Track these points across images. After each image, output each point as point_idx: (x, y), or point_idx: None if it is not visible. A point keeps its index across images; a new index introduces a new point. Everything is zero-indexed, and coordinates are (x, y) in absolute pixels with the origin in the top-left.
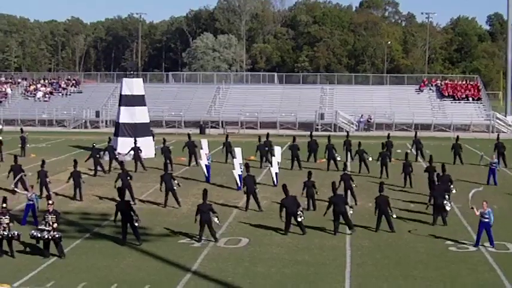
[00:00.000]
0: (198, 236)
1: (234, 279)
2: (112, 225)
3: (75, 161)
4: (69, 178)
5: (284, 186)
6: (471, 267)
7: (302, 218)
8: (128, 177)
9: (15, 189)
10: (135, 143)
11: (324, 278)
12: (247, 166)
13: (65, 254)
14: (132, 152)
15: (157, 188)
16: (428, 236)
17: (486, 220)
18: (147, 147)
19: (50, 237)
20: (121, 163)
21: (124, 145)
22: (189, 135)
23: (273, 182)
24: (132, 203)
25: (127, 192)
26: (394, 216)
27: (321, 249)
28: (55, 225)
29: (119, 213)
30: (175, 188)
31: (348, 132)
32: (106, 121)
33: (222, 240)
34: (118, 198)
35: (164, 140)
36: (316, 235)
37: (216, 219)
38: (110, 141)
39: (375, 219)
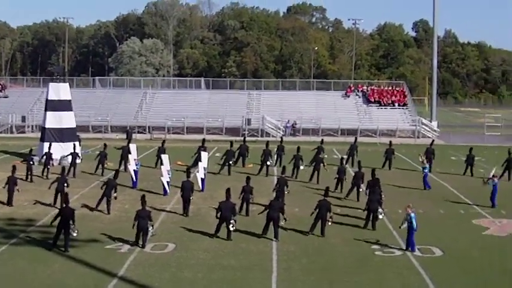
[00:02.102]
0: (136, 242)
1: (160, 284)
2: (39, 231)
3: (14, 167)
4: (6, 183)
5: (227, 190)
6: (397, 271)
7: (233, 227)
8: (65, 183)
9: None
10: (74, 148)
11: (250, 283)
12: (187, 172)
13: None
14: (67, 157)
15: (83, 194)
16: (354, 241)
17: (412, 223)
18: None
19: None
20: (63, 168)
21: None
22: (128, 141)
23: (200, 187)
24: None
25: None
26: (330, 223)
27: (247, 254)
28: None
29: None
30: (112, 197)
31: (281, 137)
32: (32, 126)
33: (148, 245)
34: (48, 203)
35: (105, 145)
36: (243, 240)
37: (150, 228)
38: (50, 148)
39: (302, 224)
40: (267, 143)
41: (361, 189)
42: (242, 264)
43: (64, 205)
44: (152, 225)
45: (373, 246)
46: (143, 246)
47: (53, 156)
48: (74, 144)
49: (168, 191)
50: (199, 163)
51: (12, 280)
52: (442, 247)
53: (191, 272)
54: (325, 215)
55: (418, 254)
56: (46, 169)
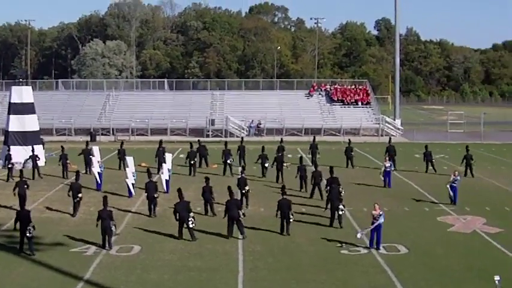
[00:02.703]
0: (105, 244)
1: (126, 287)
2: (3, 235)
3: None
4: None
5: (179, 190)
6: (363, 269)
7: (193, 224)
8: (25, 186)
9: None
10: (33, 151)
11: (216, 284)
12: (149, 173)
13: None
14: (28, 160)
15: (48, 197)
16: (320, 240)
17: (380, 222)
18: (38, 155)
19: None
20: (21, 171)
21: (14, 154)
22: (87, 142)
23: (164, 188)
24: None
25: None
26: (291, 220)
27: (213, 255)
28: None
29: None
30: (78, 198)
31: (242, 137)
32: None
33: (114, 247)
34: (14, 207)
35: (62, 148)
36: (208, 240)
37: (113, 227)
38: (9, 150)
39: (268, 224)
40: (225, 143)
41: (322, 188)
42: (208, 265)
43: (20, 208)
44: (115, 225)
45: (339, 245)
46: (110, 248)
47: (15, 159)
48: (33, 147)
49: (133, 192)
50: (164, 164)
51: None
52: (407, 245)
53: (157, 273)
54: (287, 214)
55: (383, 252)
56: (9, 172)
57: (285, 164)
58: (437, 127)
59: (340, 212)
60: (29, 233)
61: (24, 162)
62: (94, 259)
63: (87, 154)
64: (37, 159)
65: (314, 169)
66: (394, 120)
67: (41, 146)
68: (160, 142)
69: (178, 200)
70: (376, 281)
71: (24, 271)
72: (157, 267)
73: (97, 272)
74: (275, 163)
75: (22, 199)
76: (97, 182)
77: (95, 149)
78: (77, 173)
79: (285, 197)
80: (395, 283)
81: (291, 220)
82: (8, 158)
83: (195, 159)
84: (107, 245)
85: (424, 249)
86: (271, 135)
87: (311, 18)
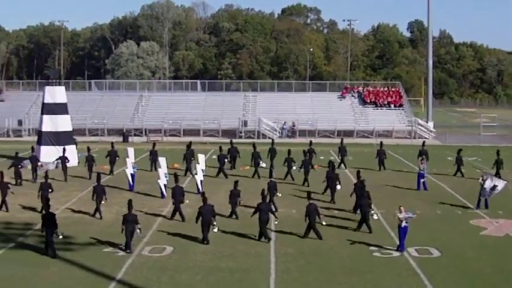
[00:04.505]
0: (124, 246)
1: None
2: (36, 235)
3: (1, 173)
4: None
5: (203, 194)
6: (395, 272)
7: (215, 229)
8: (50, 189)
9: None
10: (63, 152)
11: (248, 285)
12: (176, 177)
13: None
14: (57, 161)
15: (81, 197)
16: (352, 242)
17: (406, 225)
18: (71, 155)
19: None
20: (46, 173)
21: (47, 154)
22: (112, 144)
23: (198, 189)
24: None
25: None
26: (324, 223)
27: (245, 256)
28: None
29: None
30: (103, 201)
31: (273, 139)
32: (29, 129)
33: (146, 248)
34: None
35: (88, 148)
36: (240, 242)
37: (138, 231)
38: (33, 150)
39: (300, 226)
40: (254, 145)
41: (336, 190)
42: (240, 266)
43: (44, 211)
44: (140, 229)
45: (371, 248)
46: (130, 251)
47: (47, 159)
48: (64, 148)
49: (165, 194)
50: (197, 165)
51: (10, 284)
52: (440, 248)
53: (189, 274)
54: (314, 218)
55: (415, 254)
56: (35, 173)
57: (294, 167)
58: (470, 130)
59: (375, 217)
60: (57, 236)
61: (52, 163)
62: (126, 259)
63: (113, 155)
64: (66, 161)
65: (331, 171)
66: (427, 122)
67: (74, 146)
68: (188, 145)
69: (202, 204)
70: (408, 283)
71: (57, 270)
72: (189, 268)
73: (129, 273)
74: (303, 166)
75: (46, 202)
76: (129, 183)
77: (130, 150)
78: (98, 175)
79: (311, 202)
80: (427, 286)
81: (324, 223)
82: (34, 158)
83: (226, 161)
84: (130, 249)
85: (456, 252)
86: (304, 137)
87: (344, 20)
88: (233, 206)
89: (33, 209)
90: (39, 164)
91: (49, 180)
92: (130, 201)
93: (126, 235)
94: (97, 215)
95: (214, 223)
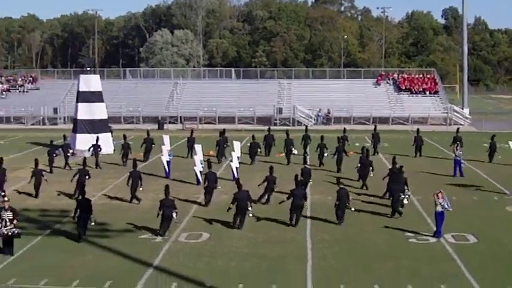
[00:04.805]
0: (160, 231)
1: (195, 273)
2: (72, 222)
3: (36, 160)
4: (31, 177)
5: (237, 180)
6: (431, 258)
7: (250, 215)
8: (87, 176)
9: None
10: (97, 140)
11: (284, 271)
12: (209, 163)
13: (13, 253)
14: (92, 149)
15: (116, 184)
16: (387, 228)
17: (442, 210)
18: (106, 143)
19: (9, 234)
20: (84, 160)
21: (83, 142)
22: (148, 132)
23: (233, 176)
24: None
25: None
26: (353, 209)
27: (281, 243)
28: (15, 221)
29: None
30: (139, 188)
31: (306, 126)
32: (64, 118)
33: (182, 235)
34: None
35: (125, 136)
36: (275, 228)
37: (175, 216)
38: (66, 139)
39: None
40: (287, 132)
41: (369, 176)
42: (276, 252)
43: (80, 197)
44: (176, 213)
45: (407, 234)
46: (163, 234)
47: (83, 147)
48: (97, 137)
49: (201, 180)
50: (232, 153)
51: (47, 271)
52: (476, 234)
53: (225, 260)
54: (344, 204)
55: (452, 241)
56: (66, 161)
57: (325, 153)
58: (505, 116)
59: (405, 202)
60: (90, 222)
61: (87, 151)
62: (163, 246)
63: (149, 143)
64: (99, 149)
65: (365, 156)
66: (463, 109)
67: (109, 134)
68: (221, 132)
69: (237, 190)
70: (444, 269)
71: (93, 257)
72: (225, 254)
73: (166, 259)
74: (336, 153)
75: (82, 187)
76: (165, 170)
77: (165, 138)
78: (134, 161)
79: (341, 187)
80: (464, 272)
81: (353, 209)
82: (66, 147)
83: (259, 150)
84: (162, 232)
85: (493, 238)
86: (339, 124)
87: (377, 8)
88: (268, 192)
89: (70, 196)
90: (70, 151)
91: (86, 168)
92: (167, 187)
93: (162, 219)
94: (134, 200)
95: (250, 208)
